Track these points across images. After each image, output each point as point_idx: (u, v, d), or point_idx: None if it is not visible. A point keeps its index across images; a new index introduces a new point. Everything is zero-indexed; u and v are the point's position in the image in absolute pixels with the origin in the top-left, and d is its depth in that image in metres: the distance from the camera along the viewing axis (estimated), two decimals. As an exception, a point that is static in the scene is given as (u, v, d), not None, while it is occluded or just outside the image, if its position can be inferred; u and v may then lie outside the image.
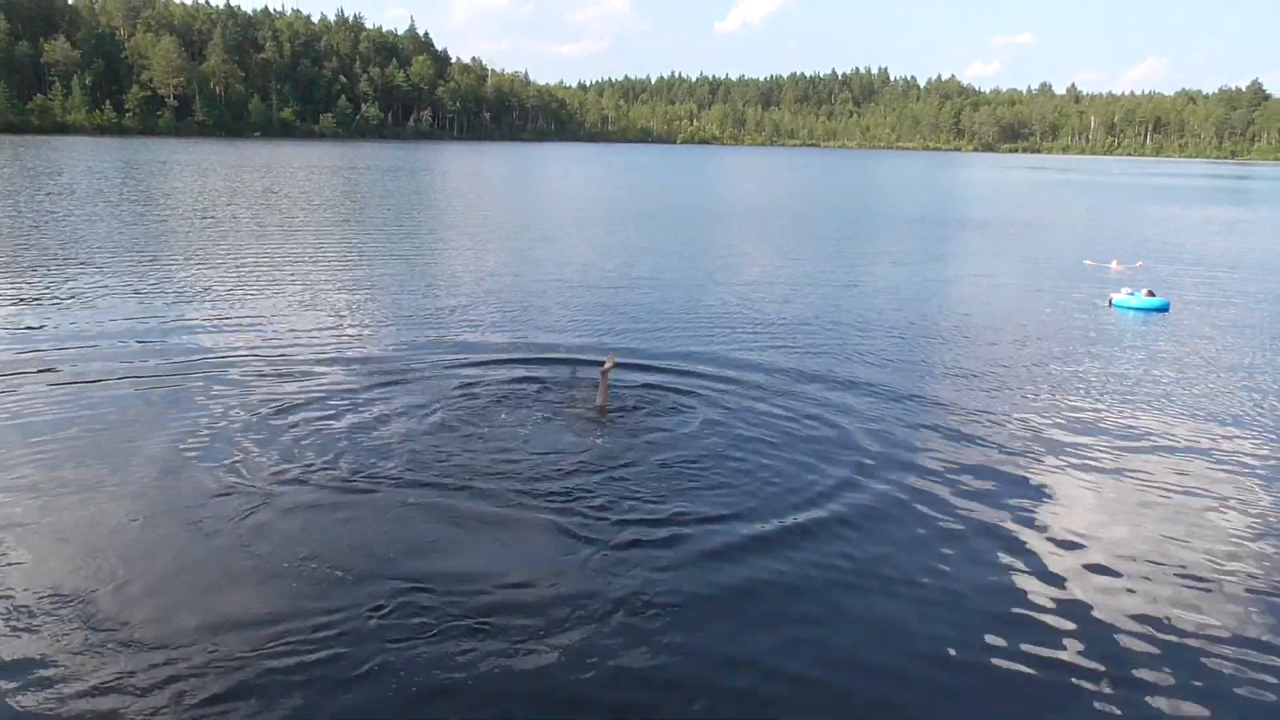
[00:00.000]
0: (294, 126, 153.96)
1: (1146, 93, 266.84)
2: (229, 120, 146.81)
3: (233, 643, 5.60)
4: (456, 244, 26.78)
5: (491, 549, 6.97)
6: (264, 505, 7.58)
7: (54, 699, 5.07)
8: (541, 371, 11.93)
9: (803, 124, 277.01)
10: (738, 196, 56.02)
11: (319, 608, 6.02)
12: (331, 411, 10.06)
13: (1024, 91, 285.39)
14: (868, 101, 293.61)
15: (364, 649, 5.58)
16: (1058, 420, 10.66)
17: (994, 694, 5.43)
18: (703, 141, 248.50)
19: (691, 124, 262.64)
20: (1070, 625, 6.11)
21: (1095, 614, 6.27)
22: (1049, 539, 7.45)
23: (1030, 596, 6.49)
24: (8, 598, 6.06)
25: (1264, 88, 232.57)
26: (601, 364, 10.49)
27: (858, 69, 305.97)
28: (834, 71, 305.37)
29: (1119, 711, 5.25)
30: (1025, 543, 7.36)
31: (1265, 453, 9.79)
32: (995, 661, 5.69)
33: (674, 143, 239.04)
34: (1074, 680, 5.51)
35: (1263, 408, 11.48)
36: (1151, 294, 18.14)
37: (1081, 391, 11.98)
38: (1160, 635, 6.03)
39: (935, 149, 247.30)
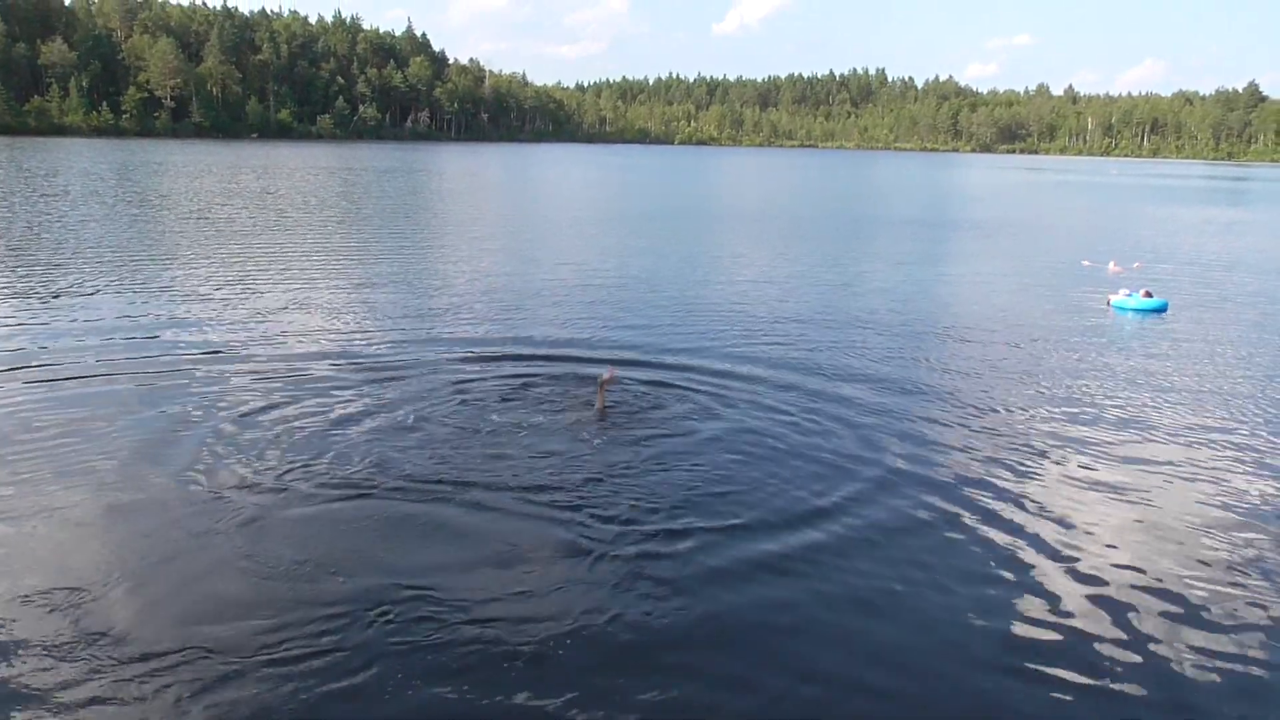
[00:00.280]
0: (291, 128, 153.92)
1: (1144, 94, 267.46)
2: (226, 121, 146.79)
3: (226, 647, 5.53)
4: (454, 245, 26.71)
5: (490, 553, 6.89)
6: (258, 508, 7.51)
7: (43, 704, 5.00)
8: (540, 374, 11.86)
9: (800, 125, 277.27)
10: (736, 198, 56.01)
11: (313, 612, 5.95)
12: (328, 413, 9.99)
13: (1021, 93, 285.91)
14: (865, 102, 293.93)
15: (359, 653, 5.52)
16: (1058, 422, 10.59)
17: (996, 705, 5.36)
18: (700, 142, 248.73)
19: (689, 125, 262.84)
20: (1072, 628, 6.05)
21: (1096, 614, 6.21)
22: (1049, 540, 7.37)
23: (1032, 600, 6.42)
24: (-6, 602, 6.00)
25: (1261, 89, 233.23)
26: (599, 376, 10.42)
27: (855, 70, 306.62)
28: (832, 72, 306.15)
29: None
30: (1026, 545, 7.28)
31: (1265, 454, 9.73)
32: (997, 670, 5.62)
33: (672, 143, 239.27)
34: (1077, 686, 5.45)
35: (1263, 409, 11.42)
36: (1150, 295, 18.09)
37: (1081, 393, 11.92)
38: (1162, 637, 5.97)
39: (933, 150, 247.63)
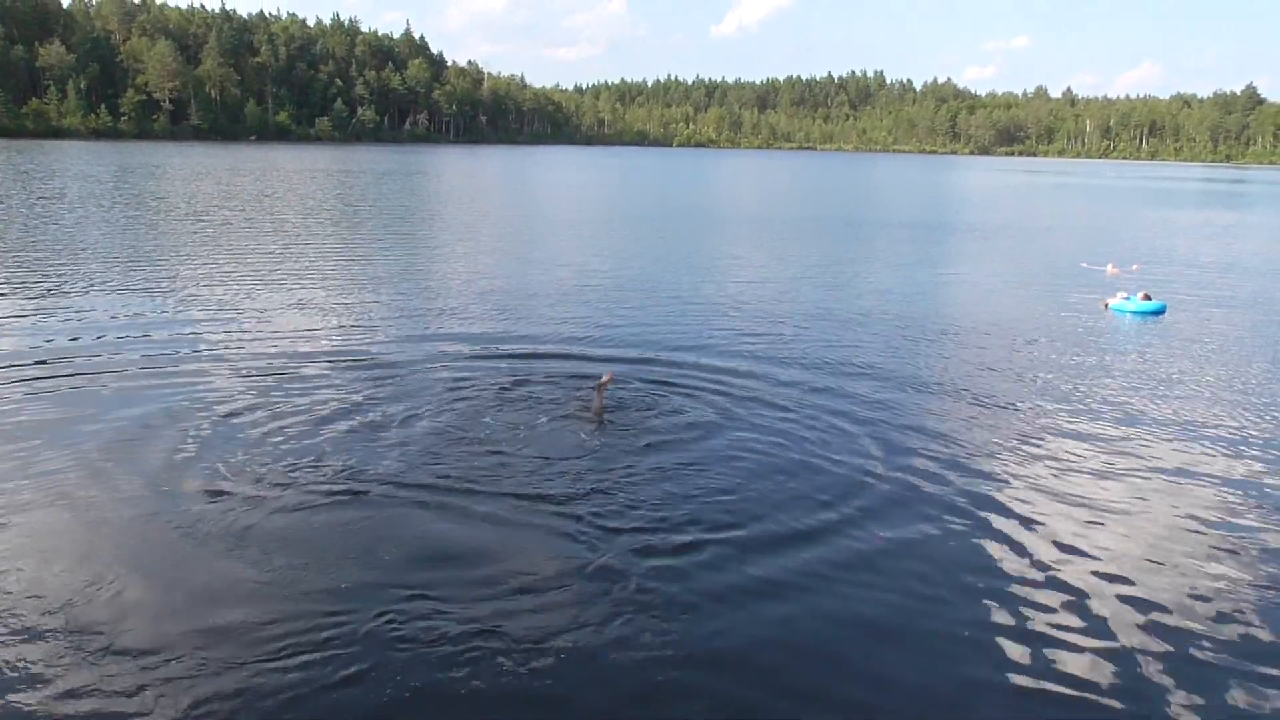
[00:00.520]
0: (290, 130, 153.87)
1: (1141, 97, 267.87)
2: (224, 124, 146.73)
3: (224, 649, 5.50)
4: (453, 247, 26.65)
5: (490, 555, 6.84)
6: (257, 509, 7.47)
7: (38, 704, 4.96)
8: (539, 375, 11.84)
9: (799, 127, 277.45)
10: (735, 200, 56.02)
11: (310, 614, 5.91)
12: (325, 414, 9.94)
13: (1020, 95, 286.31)
14: (864, 104, 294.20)
15: (359, 656, 5.47)
16: (1058, 424, 10.54)
17: (999, 704, 5.29)
18: (699, 144, 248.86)
19: (688, 127, 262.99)
20: (1074, 631, 5.99)
21: (1096, 616, 6.15)
22: (1050, 544, 7.31)
23: (1033, 604, 6.36)
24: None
25: (1258, 92, 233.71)
26: (599, 378, 10.39)
27: (854, 72, 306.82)
28: (830, 75, 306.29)
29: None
30: (1026, 551, 7.22)
31: (1265, 456, 9.67)
32: (1002, 670, 5.56)
33: (670, 145, 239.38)
34: (1078, 686, 5.38)
35: (1261, 410, 11.37)
36: (1148, 297, 18.04)
37: (1080, 397, 11.86)
38: (1163, 640, 5.90)
39: (931, 152, 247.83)
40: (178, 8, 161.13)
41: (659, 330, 15.11)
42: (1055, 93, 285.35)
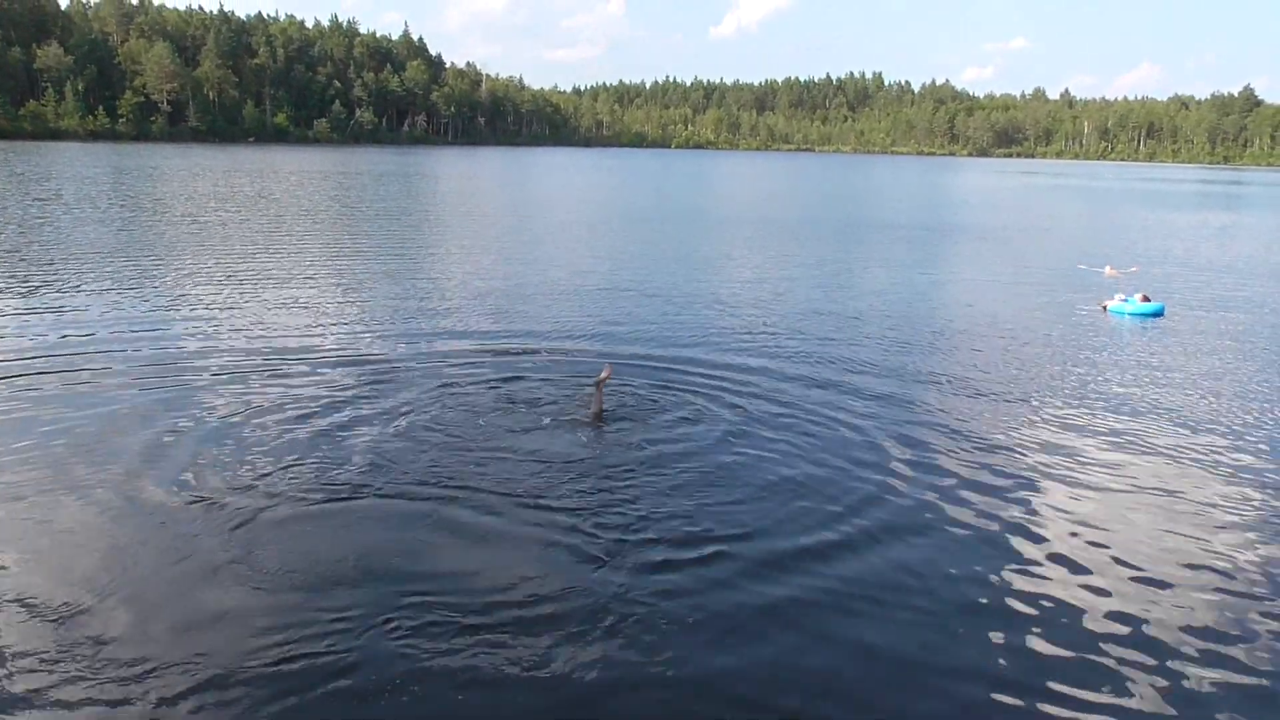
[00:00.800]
0: (288, 132, 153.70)
1: (1139, 98, 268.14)
2: (223, 126, 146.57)
3: (219, 652, 5.46)
4: (451, 249, 26.58)
5: (489, 559, 6.80)
6: (254, 512, 7.43)
7: (41, 711, 4.93)
8: (539, 375, 11.82)
9: (797, 128, 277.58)
10: (734, 202, 55.96)
11: (310, 617, 5.88)
12: (323, 416, 9.90)
13: (1018, 97, 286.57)
14: (862, 106, 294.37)
15: (355, 659, 5.44)
16: (1058, 427, 10.49)
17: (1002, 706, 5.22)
18: (697, 146, 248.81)
19: (686, 128, 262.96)
20: (1077, 634, 5.93)
21: (1098, 619, 6.10)
22: (1051, 546, 7.27)
23: (1037, 608, 6.30)
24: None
25: (1256, 93, 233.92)
26: (597, 375, 10.35)
27: (852, 73, 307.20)
28: (829, 76, 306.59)
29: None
30: (1028, 551, 7.18)
31: (1264, 457, 9.61)
32: (1007, 674, 5.49)
33: (669, 147, 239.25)
34: (1079, 685, 5.32)
35: (1261, 412, 11.32)
36: (1147, 299, 17.99)
37: (1081, 398, 11.81)
38: (1164, 643, 5.85)
39: (929, 154, 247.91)
40: (176, 9, 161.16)
41: (659, 331, 15.06)
42: (1053, 94, 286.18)
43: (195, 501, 7.62)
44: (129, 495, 7.75)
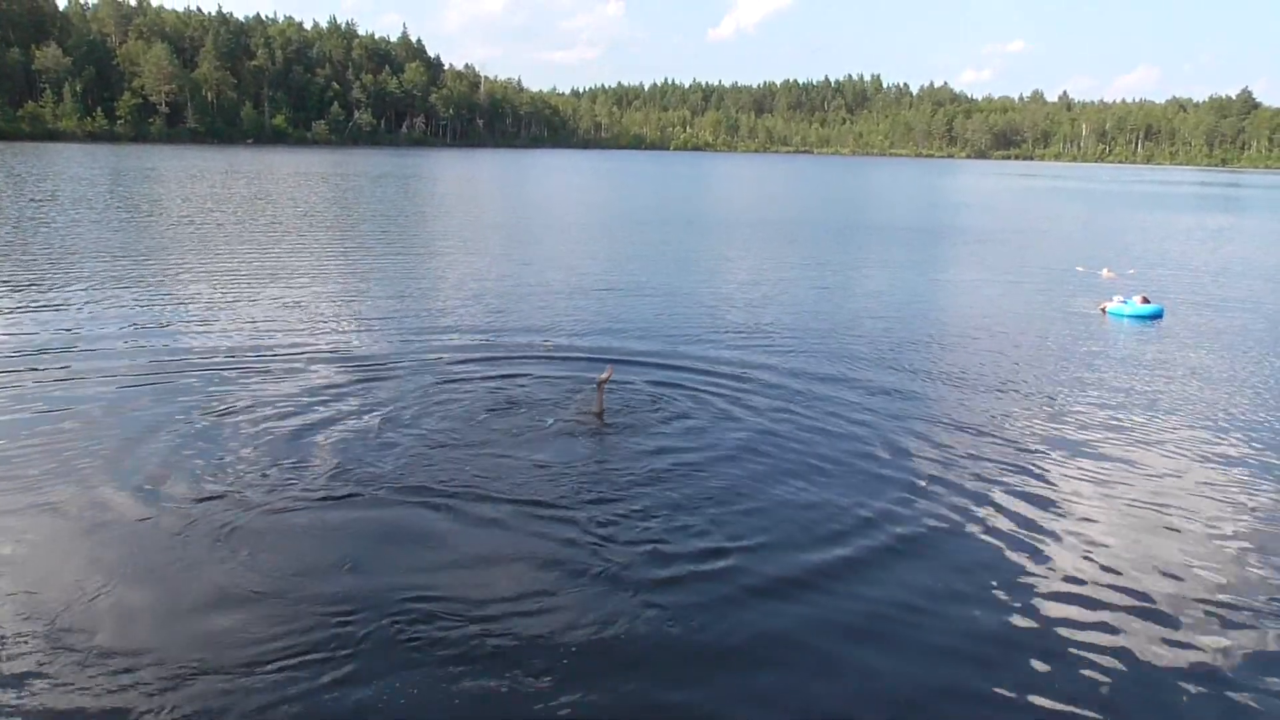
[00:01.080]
0: (286, 133, 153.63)
1: (1137, 100, 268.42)
2: (221, 127, 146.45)
3: (216, 654, 5.41)
4: (450, 250, 26.48)
5: (489, 562, 6.73)
6: (250, 513, 7.37)
7: (33, 713, 4.88)
8: (538, 376, 11.76)
9: (796, 130, 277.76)
10: (733, 204, 55.92)
11: (307, 618, 5.83)
12: (321, 417, 9.84)
13: (1016, 99, 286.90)
14: (861, 108, 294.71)
15: (352, 663, 5.39)
16: (1059, 429, 10.41)
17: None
18: (696, 148, 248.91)
19: (685, 130, 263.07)
20: (1079, 638, 5.86)
21: (1097, 621, 6.03)
22: (1054, 555, 7.19)
23: (1041, 614, 6.22)
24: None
25: (1254, 96, 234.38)
26: (598, 376, 10.35)
27: (851, 76, 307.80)
28: (827, 78, 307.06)
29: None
30: (1025, 557, 7.09)
31: (1266, 458, 9.55)
32: (1010, 685, 5.42)
33: (667, 149, 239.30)
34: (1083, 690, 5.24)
35: (1261, 414, 11.26)
36: (1146, 301, 17.93)
37: (1081, 400, 11.74)
38: (1165, 660, 5.77)
39: (928, 156, 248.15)
40: (174, 11, 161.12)
41: (659, 331, 15.00)
42: (1051, 96, 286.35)
43: (190, 502, 7.55)
44: (122, 496, 7.67)
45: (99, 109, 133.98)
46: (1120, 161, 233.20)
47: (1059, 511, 8.10)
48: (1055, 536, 7.57)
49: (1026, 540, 7.48)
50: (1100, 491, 8.63)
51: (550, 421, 9.85)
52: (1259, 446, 10.09)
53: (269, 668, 5.31)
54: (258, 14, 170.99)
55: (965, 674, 5.59)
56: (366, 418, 9.84)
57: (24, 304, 15.90)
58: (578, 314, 16.59)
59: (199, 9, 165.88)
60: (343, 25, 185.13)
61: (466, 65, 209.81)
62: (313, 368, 12.03)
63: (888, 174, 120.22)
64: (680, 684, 5.38)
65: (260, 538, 6.96)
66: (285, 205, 39.60)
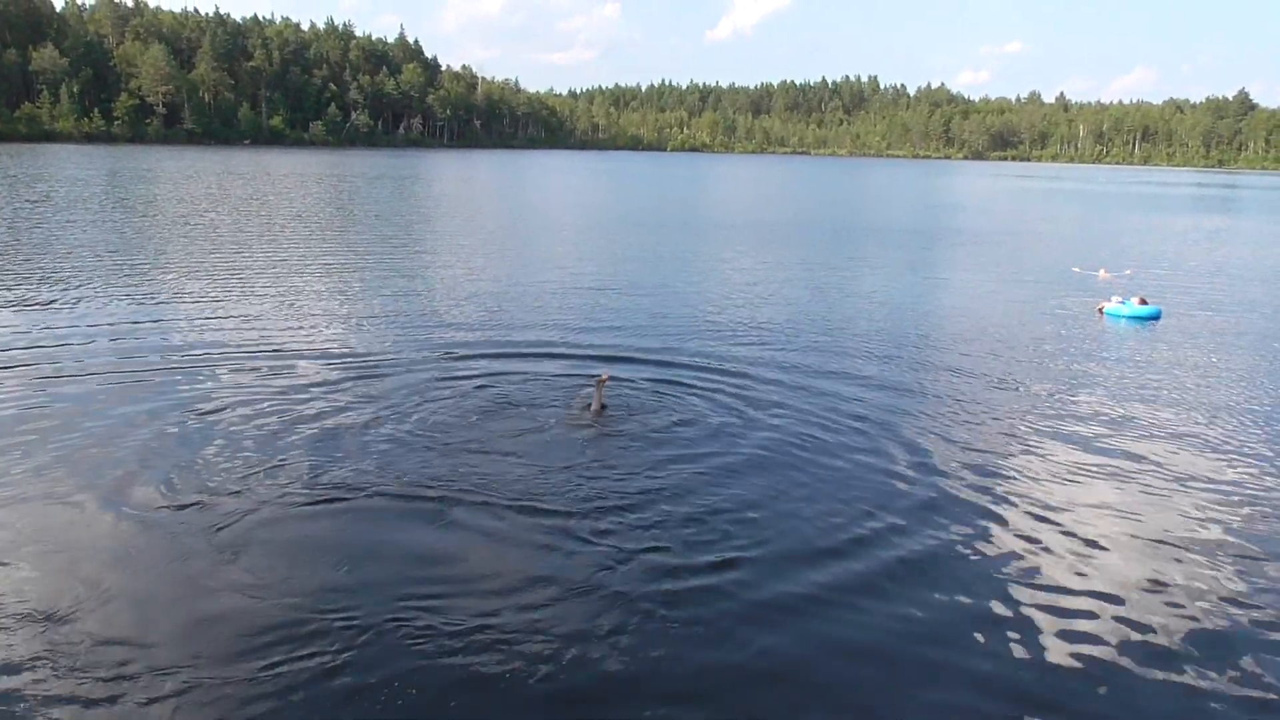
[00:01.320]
0: (283, 134, 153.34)
1: (1135, 102, 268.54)
2: (218, 128, 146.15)
3: (213, 656, 5.38)
4: (447, 251, 26.42)
5: (488, 562, 6.70)
6: (247, 513, 7.34)
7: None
8: (535, 378, 11.72)
9: (793, 131, 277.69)
10: (731, 206, 55.91)
11: (305, 619, 5.80)
12: (317, 418, 9.80)
13: (1013, 100, 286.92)
14: (858, 109, 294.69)
15: (350, 663, 5.37)
16: (1058, 429, 10.40)
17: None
18: (693, 149, 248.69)
19: (682, 131, 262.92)
20: (1080, 641, 5.81)
21: (1101, 625, 5.98)
22: (1051, 551, 7.17)
23: (1039, 612, 6.19)
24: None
25: (1251, 97, 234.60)
26: (598, 376, 10.47)
27: (848, 77, 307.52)
28: (824, 79, 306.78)
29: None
30: (1030, 558, 7.07)
31: (1264, 457, 9.52)
32: (1010, 679, 5.38)
33: (664, 150, 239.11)
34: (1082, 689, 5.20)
35: (1259, 413, 11.23)
36: (1144, 302, 17.92)
37: (1080, 400, 11.73)
38: (1163, 648, 5.73)
39: (925, 157, 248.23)
40: (171, 12, 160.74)
41: (659, 332, 14.97)
42: (1049, 98, 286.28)
43: (186, 503, 7.52)
44: (118, 497, 7.64)
45: (96, 110, 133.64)
46: (1117, 162, 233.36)
47: (1058, 512, 8.06)
48: (1054, 538, 7.54)
49: (1025, 541, 7.45)
50: (1100, 490, 8.60)
51: (549, 421, 9.82)
52: (1257, 446, 10.07)
53: (263, 668, 5.27)
54: (255, 15, 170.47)
55: (960, 659, 5.56)
56: (363, 418, 9.80)
57: (17, 304, 15.83)
58: (579, 315, 16.55)
59: (196, 10, 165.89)
60: (340, 26, 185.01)
61: (464, 66, 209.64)
62: (310, 368, 11.99)
63: (885, 175, 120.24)
64: (681, 685, 5.34)
65: (256, 538, 6.92)
66: (281, 206, 39.50)
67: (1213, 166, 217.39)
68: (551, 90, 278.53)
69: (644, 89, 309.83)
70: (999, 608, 6.37)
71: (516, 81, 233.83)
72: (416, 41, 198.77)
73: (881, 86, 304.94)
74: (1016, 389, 12.34)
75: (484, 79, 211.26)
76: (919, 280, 23.50)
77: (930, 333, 16.15)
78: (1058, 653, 5.83)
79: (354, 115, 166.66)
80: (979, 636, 5.99)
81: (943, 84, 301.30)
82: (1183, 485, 8.87)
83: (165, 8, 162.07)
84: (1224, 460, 9.62)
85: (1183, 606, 6.47)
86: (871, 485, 8.51)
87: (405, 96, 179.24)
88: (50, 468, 8.26)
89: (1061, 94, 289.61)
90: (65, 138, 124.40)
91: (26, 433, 9.15)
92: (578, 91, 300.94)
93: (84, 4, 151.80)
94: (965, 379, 12.75)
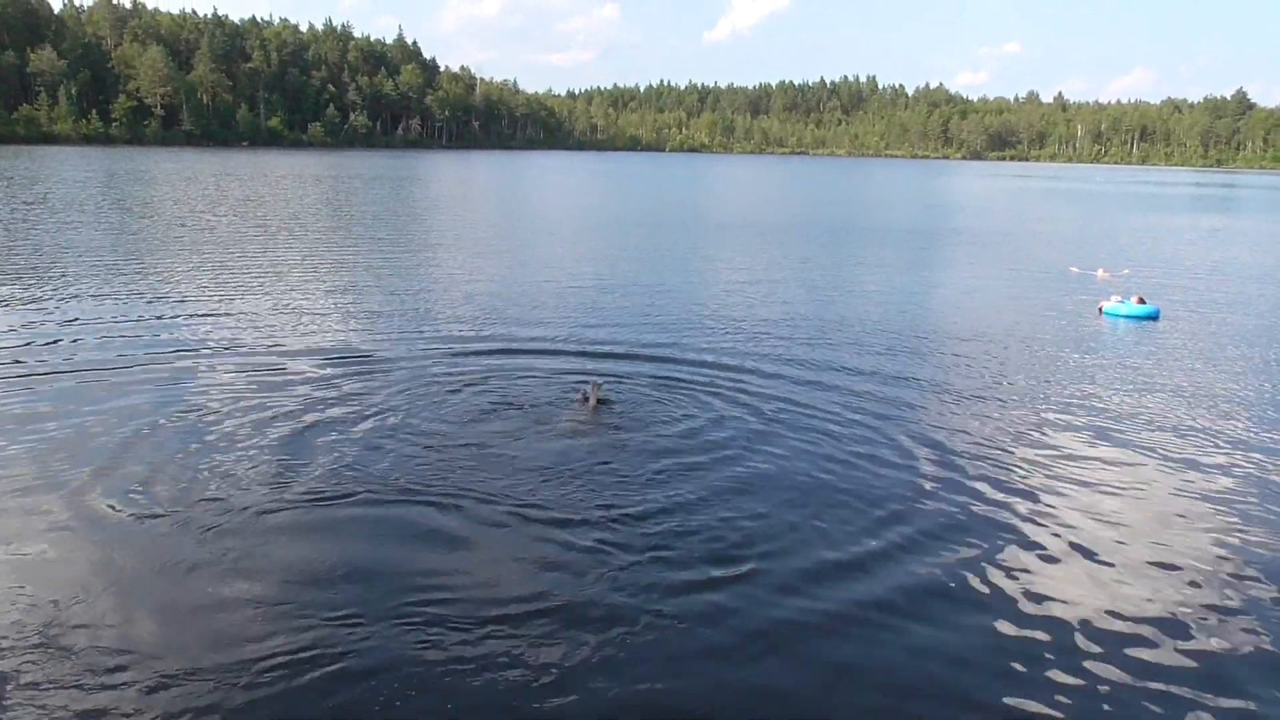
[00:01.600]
0: (282, 135, 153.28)
1: (1133, 101, 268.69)
2: (217, 130, 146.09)
3: (205, 662, 5.34)
4: (444, 252, 26.40)
5: (487, 564, 6.67)
6: (243, 515, 7.31)
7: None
8: (534, 378, 11.70)
9: (792, 132, 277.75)
10: (730, 206, 55.89)
11: (301, 620, 5.78)
12: (315, 419, 9.76)
13: (1011, 100, 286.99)
14: (856, 109, 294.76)
15: (348, 664, 5.35)
16: (1059, 429, 10.38)
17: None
18: (692, 149, 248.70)
19: (680, 132, 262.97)
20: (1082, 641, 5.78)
21: (1102, 620, 5.95)
22: (1053, 552, 7.14)
23: (1044, 619, 6.16)
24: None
25: (1249, 97, 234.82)
26: (592, 380, 10.60)
27: (846, 77, 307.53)
28: (823, 80, 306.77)
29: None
30: (1024, 563, 7.04)
31: (1263, 457, 9.50)
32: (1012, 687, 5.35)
33: (663, 150, 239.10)
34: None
35: (1257, 412, 11.22)
36: (1142, 301, 17.90)
37: (1080, 399, 11.71)
38: (1162, 646, 5.71)
39: (924, 157, 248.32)
40: (169, 13, 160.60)
41: (658, 330, 14.94)
42: (1047, 98, 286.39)
43: (181, 505, 7.49)
44: (112, 498, 7.61)
45: (94, 112, 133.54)
46: (1116, 162, 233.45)
47: (1058, 512, 8.04)
48: (1055, 538, 7.51)
49: (1024, 540, 7.43)
50: (1102, 492, 8.58)
51: (548, 421, 9.81)
52: (1256, 445, 10.05)
53: (257, 671, 5.24)
54: (253, 16, 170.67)
55: (965, 678, 5.53)
56: (362, 418, 9.78)
57: (12, 305, 15.79)
58: (576, 313, 16.53)
59: (194, 11, 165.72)
60: (338, 27, 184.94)
61: (462, 67, 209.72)
62: (307, 368, 11.96)
63: (884, 175, 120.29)
64: (680, 687, 5.31)
65: (250, 539, 6.90)
66: (278, 207, 39.47)
67: (1211, 166, 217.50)
68: (550, 91, 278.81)
69: (642, 90, 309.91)
70: (999, 611, 6.35)
71: (515, 82, 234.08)
72: (415, 42, 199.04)
73: (880, 87, 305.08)
74: (1017, 388, 12.31)
75: (482, 80, 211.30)
76: (918, 280, 23.49)
77: (929, 333, 16.13)
78: (1060, 663, 5.80)
79: (352, 116, 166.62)
80: (983, 647, 5.96)
81: (941, 84, 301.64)
82: (1184, 484, 8.85)
83: (163, 9, 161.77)
84: (1224, 458, 9.60)
85: (1179, 596, 6.45)
86: (873, 488, 8.46)
87: (404, 97, 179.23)
88: (48, 469, 8.22)
89: (1059, 94, 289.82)
90: (63, 139, 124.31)
91: (23, 433, 9.12)
92: (576, 92, 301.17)
93: (82, 5, 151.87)
94: (964, 378, 12.73)
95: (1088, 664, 5.69)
